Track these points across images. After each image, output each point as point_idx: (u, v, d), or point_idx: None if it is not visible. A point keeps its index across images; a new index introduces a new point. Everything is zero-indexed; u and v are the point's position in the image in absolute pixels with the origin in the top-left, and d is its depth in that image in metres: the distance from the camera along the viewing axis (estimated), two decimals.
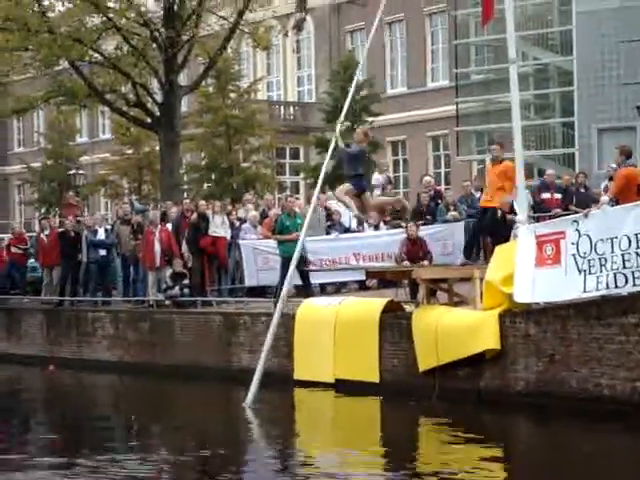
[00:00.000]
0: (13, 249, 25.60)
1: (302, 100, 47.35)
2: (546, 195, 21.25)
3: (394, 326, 16.38)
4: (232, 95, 38.90)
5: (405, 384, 15.75)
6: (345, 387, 16.50)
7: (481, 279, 15.33)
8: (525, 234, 14.91)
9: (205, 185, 39.27)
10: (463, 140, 36.14)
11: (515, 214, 16.25)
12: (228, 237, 22.05)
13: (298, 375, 17.45)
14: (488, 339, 14.63)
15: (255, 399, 15.67)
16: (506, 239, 16.24)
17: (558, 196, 21.14)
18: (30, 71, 30.10)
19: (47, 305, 24.63)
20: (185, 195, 32.67)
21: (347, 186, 16.39)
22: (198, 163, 40.29)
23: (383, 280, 19.90)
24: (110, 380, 21.10)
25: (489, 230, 17.63)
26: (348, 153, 16.91)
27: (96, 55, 27.88)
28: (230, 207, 24.25)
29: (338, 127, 17.54)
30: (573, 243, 14.02)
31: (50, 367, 22.13)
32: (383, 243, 21.38)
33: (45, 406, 18.63)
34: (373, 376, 16.31)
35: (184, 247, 21.83)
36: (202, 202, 22.93)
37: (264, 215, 22.69)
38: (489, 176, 17.60)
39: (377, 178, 23.40)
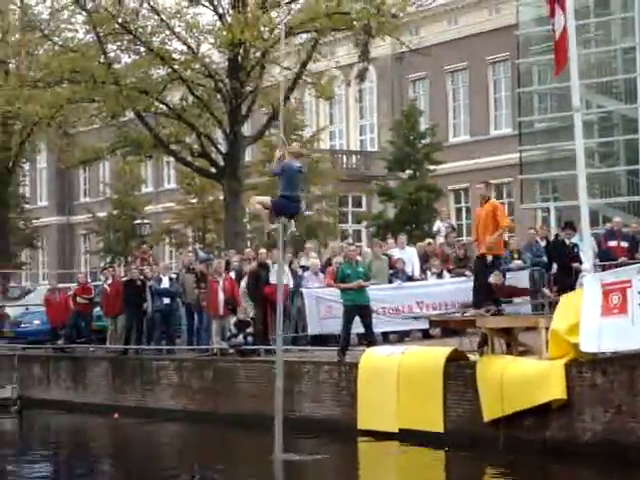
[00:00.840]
0: (78, 299, 25.86)
1: (364, 149, 47.53)
2: (612, 243, 21.04)
3: (458, 375, 16.25)
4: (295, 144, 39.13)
5: (470, 434, 15.59)
6: (409, 437, 16.38)
7: (546, 328, 15.18)
8: (591, 283, 14.74)
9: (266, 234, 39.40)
10: (527, 188, 35.89)
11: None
12: (290, 285, 22.09)
13: (362, 424, 17.35)
14: (554, 389, 14.46)
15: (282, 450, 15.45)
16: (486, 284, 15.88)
17: (625, 244, 20.92)
18: (96, 122, 30.58)
19: (112, 354, 24.80)
20: (248, 244, 32.82)
21: (267, 200, 15.21)
22: None
23: (447, 329, 19.78)
24: (174, 428, 21.13)
25: (478, 277, 16.90)
26: (291, 167, 14.89)
27: (161, 106, 28.23)
28: (291, 255, 24.33)
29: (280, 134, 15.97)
30: None
31: (115, 415, 22.23)
32: (446, 291, 21.29)
33: (111, 455, 18.72)
34: (437, 426, 16.17)
35: (242, 296, 21.93)
36: (262, 251, 23.03)
37: (328, 263, 22.72)
38: (475, 218, 17.09)
39: (440, 226, 23.34)
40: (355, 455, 16.66)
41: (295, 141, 38.94)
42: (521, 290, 19.06)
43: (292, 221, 15.54)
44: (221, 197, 32.11)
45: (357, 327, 19.28)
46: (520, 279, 20.78)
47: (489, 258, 16.27)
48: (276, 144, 15.83)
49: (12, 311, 30.40)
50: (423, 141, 37.68)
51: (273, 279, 21.68)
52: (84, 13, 26.92)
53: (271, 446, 17.58)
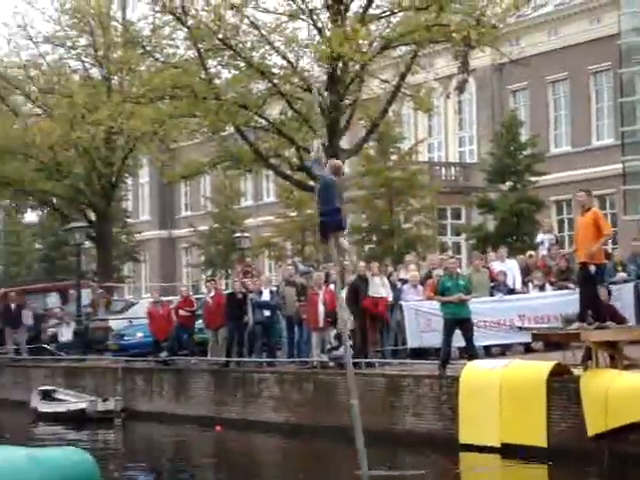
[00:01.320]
0: (181, 312, 26.15)
1: (463, 161, 47.28)
2: None
3: (562, 390, 16.04)
4: (393, 157, 39.11)
5: (574, 449, 15.36)
6: (512, 451, 16.19)
7: None
8: None
9: (367, 247, 39.44)
10: (630, 199, 35.40)
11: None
12: (389, 298, 22.05)
13: (463, 439, 17.21)
14: None
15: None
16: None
17: None
18: (197, 137, 30.93)
19: (214, 366, 25.01)
20: (346, 257, 32.84)
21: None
22: (360, 225, 40.55)
23: (550, 342, 19.52)
24: (275, 441, 21.21)
25: (582, 287, 16.50)
26: (324, 178, 14.04)
27: (261, 120, 28.43)
28: (390, 268, 24.27)
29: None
30: None
31: (217, 428, 22.40)
32: (549, 304, 21.03)
33: (212, 467, 18.85)
34: (541, 440, 15.97)
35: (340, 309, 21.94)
36: (361, 264, 23.02)
37: (428, 276, 22.62)
38: (576, 227, 16.78)
39: (542, 238, 23.07)
40: (455, 470, 16.52)
41: (393, 154, 38.93)
42: (620, 318, 18.54)
43: (342, 239, 14.83)
44: None
45: (457, 340, 19.17)
46: (624, 292, 20.43)
47: (592, 268, 15.94)
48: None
49: (115, 324, 30.87)
50: (524, 152, 37.33)
51: (372, 292, 21.71)
52: (185, 29, 27.25)
53: (370, 460, 17.55)
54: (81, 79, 36.48)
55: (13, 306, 32.05)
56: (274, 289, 24.75)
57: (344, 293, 21.93)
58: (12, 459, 11.21)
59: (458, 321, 18.76)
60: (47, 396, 27.37)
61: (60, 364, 30.24)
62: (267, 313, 24.02)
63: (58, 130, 33.08)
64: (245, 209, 52.71)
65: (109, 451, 21.17)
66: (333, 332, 21.91)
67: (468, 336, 18.89)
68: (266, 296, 24.22)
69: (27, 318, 32.14)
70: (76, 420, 25.06)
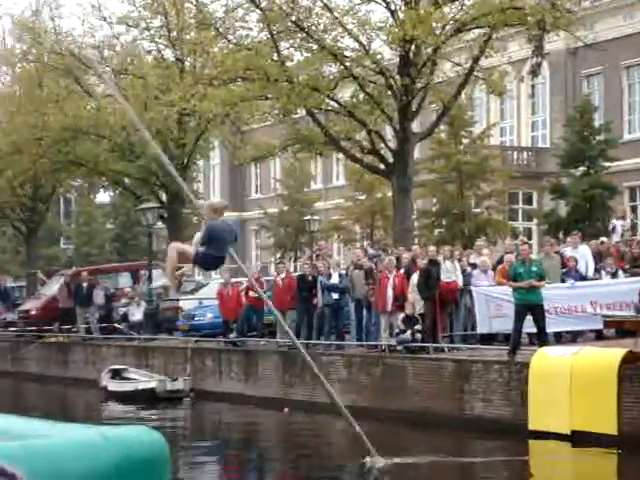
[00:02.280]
0: (251, 293, 26.25)
1: (536, 145, 46.81)
2: None
3: (633, 377, 15.84)
4: (465, 141, 38.84)
5: None
6: (581, 439, 16.05)
7: None
8: None
9: (436, 231, 39.26)
10: None
11: None
12: (459, 283, 21.94)
13: (533, 425, 17.09)
14: None
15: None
16: None
17: None
18: (269, 119, 30.97)
19: (282, 348, 25.10)
20: (416, 241, 32.73)
21: (188, 250, 13.05)
22: (429, 209, 40.35)
23: (621, 329, 19.28)
24: (343, 424, 21.20)
25: None
26: (213, 227, 13.15)
27: (332, 103, 28.38)
28: (460, 253, 24.14)
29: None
30: None
31: (285, 409, 22.49)
32: (621, 291, 20.76)
33: (278, 447, 18.93)
34: (611, 428, 15.80)
35: (413, 293, 21.88)
36: (432, 248, 22.93)
37: (499, 261, 22.46)
38: None
39: (615, 224, 22.76)
40: (527, 456, 16.41)
41: (464, 137, 38.65)
42: None
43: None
44: (390, 194, 32.11)
45: (528, 326, 19.01)
46: None
47: None
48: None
49: (186, 305, 31.11)
50: (597, 137, 36.86)
51: (444, 276, 21.61)
52: (258, 11, 27.27)
53: (440, 445, 17.51)
54: (154, 60, 36.69)
55: (85, 285, 32.46)
56: (343, 272, 24.75)
57: (415, 277, 21.89)
58: (84, 437, 11.34)
59: (529, 307, 18.62)
60: (117, 375, 27.70)
61: (130, 343, 30.57)
62: (336, 296, 24.03)
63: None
64: (315, 192, 52.73)
65: (178, 430, 21.36)
66: (401, 316, 21.87)
67: (539, 322, 18.73)
68: (335, 279, 24.24)
69: (98, 297, 32.53)
70: (145, 399, 25.32)
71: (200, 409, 24.86)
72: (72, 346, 32.73)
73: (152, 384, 26.12)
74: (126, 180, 39.59)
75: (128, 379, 27.42)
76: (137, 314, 31.60)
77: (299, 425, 21.76)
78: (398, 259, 23.47)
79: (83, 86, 37.15)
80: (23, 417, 13.64)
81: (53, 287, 36.67)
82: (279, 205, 50.64)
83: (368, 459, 14.94)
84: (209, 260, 12.95)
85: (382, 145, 29.34)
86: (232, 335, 26.60)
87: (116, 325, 32.47)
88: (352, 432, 15.57)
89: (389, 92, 27.72)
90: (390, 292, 22.16)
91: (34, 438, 10.92)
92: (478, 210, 38.83)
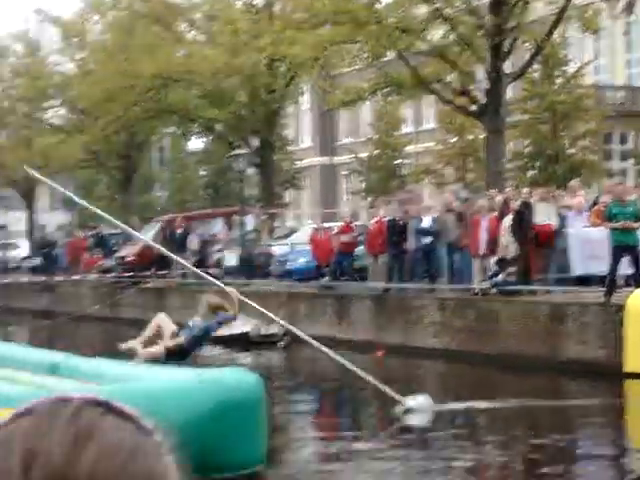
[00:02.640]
0: (342, 237, 26.33)
1: (631, 83, 45.82)
2: None
3: None
4: (558, 80, 38.20)
5: None
6: None
7: None
8: None
9: (529, 173, 38.81)
10: None
11: None
12: (554, 225, 21.69)
13: (628, 367, 16.92)
14: None
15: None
16: None
17: None
18: (358, 63, 30.81)
19: (375, 292, 25.15)
20: (509, 183, 32.42)
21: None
22: (522, 150, 39.86)
23: None
24: (436, 366, 21.28)
25: None
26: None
27: (422, 45, 28.12)
28: (555, 194, 23.84)
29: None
30: None
31: (378, 353, 22.58)
32: None
33: (374, 390, 19.02)
34: None
35: (506, 235, 21.70)
36: (525, 190, 22.68)
37: (594, 202, 22.14)
38: None
39: None
40: (623, 398, 16.27)
41: (558, 77, 37.97)
42: None
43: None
44: (481, 136, 31.80)
45: (624, 268, 18.75)
46: None
47: None
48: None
49: (278, 250, 31.31)
50: None
51: (537, 218, 21.39)
52: None
53: (533, 388, 17.45)
54: (244, 6, 36.71)
55: (179, 232, 32.83)
56: (434, 216, 24.65)
57: (508, 220, 21.72)
58: (182, 379, 11.57)
59: (625, 248, 18.35)
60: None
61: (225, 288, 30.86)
62: (427, 240, 23.97)
63: (221, 57, 33.46)
64: (405, 135, 52.44)
65: (273, 372, 21.60)
66: (494, 259, 21.74)
67: (635, 264, 18.46)
68: (427, 223, 24.15)
69: (193, 244, 32.90)
70: (240, 343, 25.62)
71: (294, 353, 25.08)
72: (168, 291, 33.21)
73: (247, 328, 26.40)
74: (217, 127, 39.83)
75: None
76: (231, 260, 31.91)
77: (392, 367, 21.84)
78: (491, 201, 23.28)
79: (174, 32, 37.36)
80: (121, 361, 13.98)
81: (149, 234, 37.22)
82: (369, 149, 50.48)
83: (398, 407, 14.80)
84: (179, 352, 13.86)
85: (474, 86, 29.01)
86: (325, 279, 26.72)
87: (210, 271, 32.82)
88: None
89: (480, 32, 27.35)
90: (483, 235, 22.03)
91: (132, 381, 11.19)
92: (572, 151, 38.24)
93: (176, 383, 11.28)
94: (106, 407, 1.00)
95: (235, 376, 11.65)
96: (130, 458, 0.96)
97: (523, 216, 21.26)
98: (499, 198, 23.36)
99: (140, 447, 0.98)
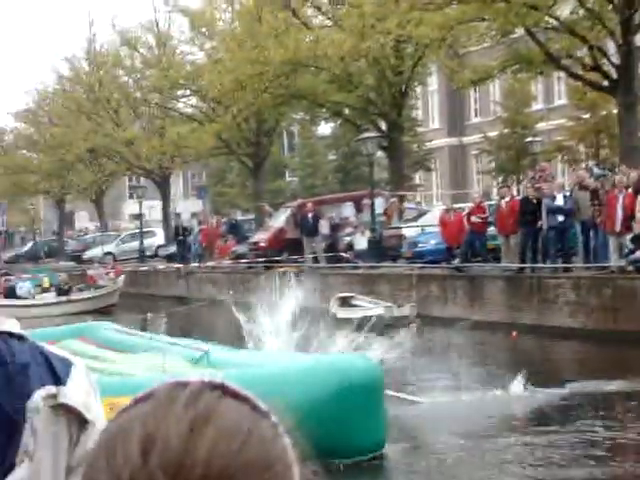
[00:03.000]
0: (473, 218, 26.15)
1: None
2: None
3: None
4: None
5: None
6: None
7: None
8: None
9: None
10: None
11: None
12: None
13: None
14: None
15: None
16: None
17: None
18: (486, 41, 30.47)
19: (507, 272, 24.92)
20: None
21: None
22: None
23: None
24: (574, 346, 20.98)
25: None
26: None
27: (551, 20, 27.65)
28: None
29: None
30: None
31: (513, 333, 22.38)
32: None
33: (512, 370, 18.88)
34: None
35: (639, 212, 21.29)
36: None
37: None
38: None
39: None
40: None
41: None
42: None
43: None
44: (614, 111, 31.15)
45: None
46: None
47: None
48: None
49: (409, 232, 31.28)
50: None
51: None
52: None
53: None
54: None
55: (310, 216, 33.08)
56: (567, 194, 24.29)
57: None
58: (299, 365, 11.67)
59: None
60: (345, 303, 28.19)
61: (356, 272, 31.02)
62: (561, 218, 23.64)
63: (348, 41, 33.47)
64: (536, 113, 51.66)
65: (405, 355, 21.60)
66: (630, 236, 21.32)
67: None
68: (559, 201, 23.81)
69: (324, 228, 33.11)
70: (373, 326, 25.68)
71: (427, 334, 25.03)
72: (302, 275, 33.47)
73: (379, 311, 26.46)
74: (346, 110, 39.92)
75: (356, 306, 27.87)
76: (361, 243, 32.01)
77: (528, 347, 21.66)
78: (628, 178, 22.81)
79: (301, 18, 37.55)
80: (243, 348, 14.17)
81: (280, 219, 37.60)
82: (499, 128, 49.91)
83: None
84: None
85: (605, 61, 28.41)
86: (456, 261, 26.59)
87: (342, 254, 33.00)
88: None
89: (610, 6, 26.77)
90: (619, 212, 21.61)
91: (252, 367, 11.33)
92: None
93: (295, 369, 11.38)
94: (222, 390, 1.00)
95: (354, 361, 11.71)
96: (247, 441, 0.96)
97: None
98: (634, 174, 22.87)
99: (256, 429, 0.98)
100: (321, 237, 33.19)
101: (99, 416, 1.63)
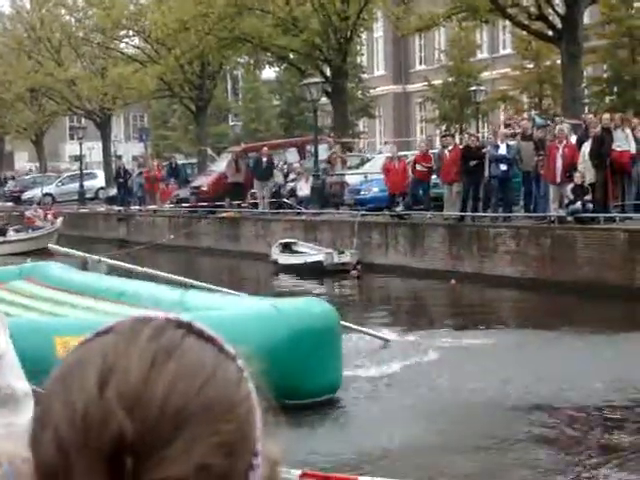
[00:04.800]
0: (418, 167, 26.16)
1: None
2: None
3: None
4: (636, 4, 37.29)
5: None
6: None
7: None
8: None
9: (607, 98, 38.12)
10: None
11: None
12: (632, 151, 21.33)
13: None
14: None
15: None
16: None
17: None
18: None
19: (449, 221, 25.03)
20: (586, 109, 31.90)
21: None
22: (600, 76, 39.12)
23: None
24: (512, 294, 21.19)
25: None
26: None
27: None
28: (635, 121, 23.40)
29: None
30: None
31: (452, 281, 22.54)
32: None
33: (449, 316, 19.06)
34: None
35: (582, 163, 21.45)
36: (606, 116, 22.28)
37: None
38: None
39: None
40: None
41: (636, 1, 37.01)
42: None
43: None
44: (558, 61, 31.26)
45: None
46: None
47: None
48: None
49: (351, 179, 31.23)
50: None
51: (614, 145, 21.03)
52: None
53: (610, 315, 17.31)
54: None
55: (265, 160, 32.82)
56: (511, 143, 24.37)
57: (587, 147, 21.40)
58: (259, 309, 11.68)
59: None
60: (287, 249, 28.17)
61: (299, 218, 30.96)
62: (504, 167, 23.73)
63: None
64: (481, 62, 51.68)
65: (347, 301, 21.69)
66: (571, 186, 21.48)
67: None
68: (503, 150, 23.89)
69: (278, 177, 33.08)
70: (313, 272, 25.73)
71: (367, 281, 25.14)
72: (243, 221, 33.39)
73: (320, 257, 26.49)
74: (290, 55, 39.64)
75: (297, 252, 27.87)
76: (304, 189, 31.93)
77: (467, 295, 21.84)
78: (568, 128, 22.94)
79: None
80: (200, 289, 14.13)
81: (223, 164, 37.36)
82: (444, 76, 49.88)
83: None
84: None
85: (550, 10, 28.45)
86: (398, 208, 26.63)
87: (284, 200, 32.91)
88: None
89: None
90: (559, 162, 21.74)
91: (211, 310, 11.30)
92: None
93: (253, 313, 11.38)
94: (188, 328, 0.98)
95: (311, 305, 11.76)
96: (209, 381, 0.94)
97: (603, 142, 20.92)
98: (577, 124, 23.01)
99: (221, 370, 0.96)
100: (273, 182, 33.05)
101: (8, 349, 1.66)
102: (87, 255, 17.67)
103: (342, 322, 12.38)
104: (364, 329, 14.73)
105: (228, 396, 0.95)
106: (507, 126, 27.49)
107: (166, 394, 0.91)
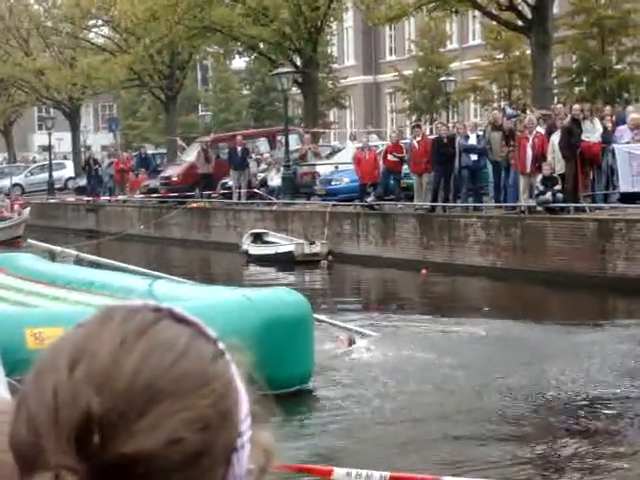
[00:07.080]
0: (389, 157, 26.17)
1: None
2: None
3: None
4: None
5: None
6: None
7: None
8: None
9: (577, 89, 38.28)
10: None
11: None
12: (598, 141, 21.43)
13: None
14: None
15: None
16: None
17: None
18: None
19: (420, 211, 25.07)
20: (555, 99, 31.99)
21: None
22: (570, 66, 39.26)
23: None
24: (482, 284, 21.26)
25: None
26: None
27: None
28: (604, 110, 23.50)
29: None
30: None
31: (423, 271, 22.58)
32: None
33: (420, 306, 19.09)
34: None
35: (551, 153, 21.54)
36: (576, 106, 22.37)
37: None
38: None
39: None
40: None
41: None
42: None
43: None
44: (528, 52, 31.34)
45: None
46: None
47: None
48: None
49: (322, 170, 31.21)
50: None
51: (583, 135, 21.12)
52: None
53: (581, 305, 17.39)
54: None
55: (240, 149, 32.67)
56: (481, 133, 24.43)
57: (556, 137, 21.47)
58: (230, 299, 11.64)
59: None
60: (258, 239, 28.13)
61: (269, 208, 30.92)
62: (474, 157, 23.79)
63: None
64: (450, 52, 51.78)
65: (317, 291, 21.68)
66: (540, 176, 21.56)
67: None
68: (473, 140, 23.95)
69: (254, 167, 32.97)
70: (284, 262, 25.72)
71: (338, 272, 25.15)
72: (213, 211, 33.31)
73: (291, 247, 26.48)
74: (261, 45, 39.52)
75: (268, 243, 27.84)
76: (275, 179, 31.88)
77: (437, 285, 21.89)
78: (538, 119, 23.01)
79: None
80: (170, 281, 14.07)
81: (192, 154, 37.23)
82: (414, 67, 49.93)
83: None
84: None
85: (520, 0, 28.51)
86: (369, 199, 26.64)
87: (256, 190, 32.83)
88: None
89: None
90: (529, 152, 21.81)
91: (182, 301, 11.26)
92: (620, 66, 37.62)
93: (225, 303, 11.35)
94: (166, 312, 0.97)
95: (282, 295, 11.73)
96: (182, 356, 0.94)
97: (572, 133, 21.00)
98: (540, 113, 23.08)
99: (195, 348, 0.95)
100: (249, 172, 32.93)
101: None
102: (66, 250, 17.54)
103: (316, 315, 12.37)
104: (338, 322, 14.67)
105: (202, 371, 0.94)
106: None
107: (135, 370, 0.91)
